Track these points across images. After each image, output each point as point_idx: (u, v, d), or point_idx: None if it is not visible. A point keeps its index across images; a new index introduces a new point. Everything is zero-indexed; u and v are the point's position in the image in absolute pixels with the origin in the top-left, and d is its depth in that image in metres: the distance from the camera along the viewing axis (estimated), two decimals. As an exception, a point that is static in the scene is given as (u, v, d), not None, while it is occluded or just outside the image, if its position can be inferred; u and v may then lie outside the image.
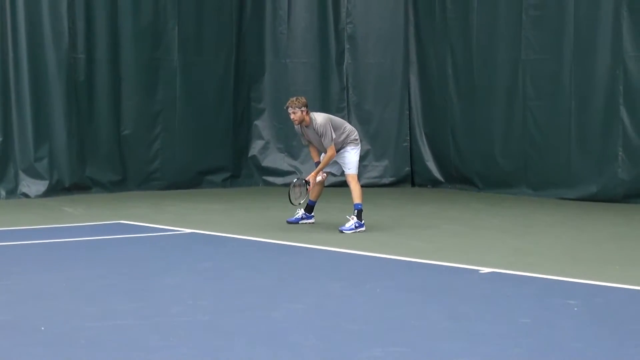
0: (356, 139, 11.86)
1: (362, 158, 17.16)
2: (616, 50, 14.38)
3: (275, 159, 17.33)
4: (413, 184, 17.23)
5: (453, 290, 8.37)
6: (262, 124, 17.37)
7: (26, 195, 15.09)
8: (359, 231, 11.48)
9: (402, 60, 17.21)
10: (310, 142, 11.94)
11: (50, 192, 15.22)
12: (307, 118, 11.66)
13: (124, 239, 11.43)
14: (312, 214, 12.25)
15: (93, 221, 12.70)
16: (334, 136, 11.60)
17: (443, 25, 16.54)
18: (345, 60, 17.23)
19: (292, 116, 11.67)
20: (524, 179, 15.60)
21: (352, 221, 11.56)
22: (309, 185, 11.85)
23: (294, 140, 17.18)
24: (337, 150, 11.73)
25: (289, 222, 12.21)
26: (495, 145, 15.88)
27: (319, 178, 11.87)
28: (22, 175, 15.19)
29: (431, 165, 16.98)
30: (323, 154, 11.82)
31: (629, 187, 14.35)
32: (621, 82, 14.36)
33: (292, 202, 11.93)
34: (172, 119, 16.49)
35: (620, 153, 14.42)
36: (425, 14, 16.90)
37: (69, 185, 15.50)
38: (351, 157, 11.78)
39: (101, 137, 15.93)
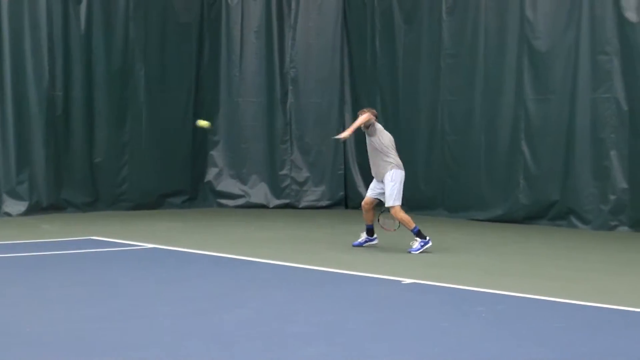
0: (399, 164, 11.32)
1: (302, 184, 17.32)
2: (518, 94, 14.58)
3: (228, 184, 17.29)
4: (346, 207, 17.27)
5: (379, 298, 8.41)
6: (216, 154, 17.33)
7: (8, 214, 14.88)
8: (426, 248, 11.14)
9: (337, 100, 17.30)
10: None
11: (29, 211, 15.03)
12: (373, 127, 11.28)
13: (95, 253, 11.34)
14: (374, 236, 11.66)
15: (68, 237, 12.57)
16: (381, 137, 11.31)
17: (373, 70, 16.67)
18: (289, 100, 17.27)
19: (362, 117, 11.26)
20: (441, 203, 15.72)
21: (417, 242, 11.14)
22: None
23: (244, 168, 17.19)
24: (380, 167, 11.30)
25: (354, 246, 11.56)
26: (418, 173, 15.98)
27: (345, 134, 11.55)
28: (5, 196, 14.99)
29: (362, 190, 16.99)
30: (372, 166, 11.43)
31: (529, 210, 14.52)
32: (522, 120, 14.56)
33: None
34: (138, 149, 16.39)
35: (521, 181, 14.61)
36: (358, 61, 17.02)
37: (47, 205, 15.32)
38: (391, 188, 11.11)
39: (76, 164, 15.78)
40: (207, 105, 17.17)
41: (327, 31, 17.25)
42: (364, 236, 11.70)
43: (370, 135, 11.41)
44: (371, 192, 11.48)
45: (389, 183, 11.20)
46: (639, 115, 13.47)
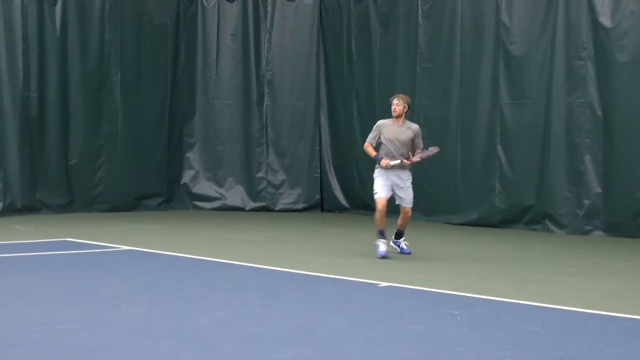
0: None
1: (278, 187, 17.28)
2: (494, 98, 14.63)
3: (204, 187, 17.23)
4: (322, 210, 17.24)
5: (355, 301, 8.38)
6: (192, 156, 17.26)
7: (-18, 216, 14.78)
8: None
9: (313, 103, 17.27)
10: (386, 141, 10.84)
11: (4, 213, 14.90)
12: (403, 117, 11.00)
13: (69, 255, 11.24)
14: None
15: (42, 239, 12.47)
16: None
17: (349, 74, 16.66)
18: (265, 102, 17.23)
19: (395, 107, 10.92)
20: (417, 206, 15.58)
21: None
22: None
23: (220, 170, 17.13)
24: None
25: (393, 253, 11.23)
26: (392, 177, 15.97)
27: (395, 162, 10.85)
28: (-21, 198, 14.90)
29: (338, 193, 17.03)
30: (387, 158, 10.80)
31: (504, 215, 14.56)
32: (498, 125, 14.60)
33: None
34: (114, 151, 16.30)
35: (497, 185, 14.64)
36: (334, 64, 17.00)
37: (21, 207, 15.19)
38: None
39: (51, 166, 15.67)
40: (183, 107, 17.10)
41: (303, 34, 17.22)
42: (384, 245, 10.96)
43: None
44: (388, 190, 11.00)
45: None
46: (613, 121, 13.54)
